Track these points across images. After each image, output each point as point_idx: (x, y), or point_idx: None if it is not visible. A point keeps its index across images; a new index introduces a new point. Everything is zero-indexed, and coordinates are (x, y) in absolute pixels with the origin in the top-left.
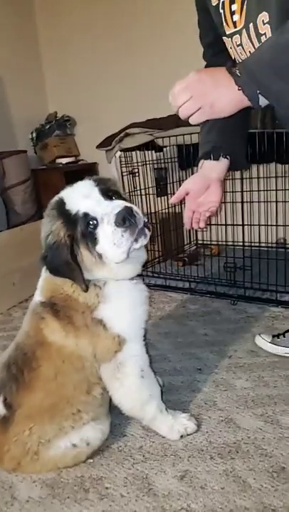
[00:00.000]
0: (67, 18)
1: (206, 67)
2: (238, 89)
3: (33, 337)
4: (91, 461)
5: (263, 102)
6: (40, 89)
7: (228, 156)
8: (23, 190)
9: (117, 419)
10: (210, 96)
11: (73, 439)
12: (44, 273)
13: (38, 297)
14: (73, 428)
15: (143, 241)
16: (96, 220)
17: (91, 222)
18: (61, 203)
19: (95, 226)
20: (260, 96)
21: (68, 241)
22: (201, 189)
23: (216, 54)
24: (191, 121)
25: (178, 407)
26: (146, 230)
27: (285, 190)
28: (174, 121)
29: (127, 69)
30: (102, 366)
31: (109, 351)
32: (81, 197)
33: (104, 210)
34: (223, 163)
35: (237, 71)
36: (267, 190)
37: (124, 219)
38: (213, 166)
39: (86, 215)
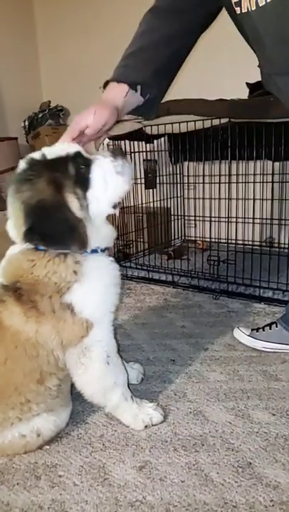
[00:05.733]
0: (65, 7)
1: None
2: None
3: None
4: (47, 447)
5: None
6: (35, 77)
7: (149, 99)
8: None
9: (80, 405)
10: None
11: (22, 429)
12: (10, 254)
13: None
14: (20, 420)
15: (132, 179)
16: (88, 159)
17: (82, 162)
18: (41, 157)
19: (88, 165)
20: None
21: (59, 195)
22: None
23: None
24: None
25: (146, 397)
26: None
27: (273, 182)
28: (164, 109)
29: None
30: (67, 351)
31: (76, 336)
32: (66, 146)
33: (92, 155)
34: (135, 100)
35: None
36: (263, 183)
37: (121, 152)
38: (121, 95)
39: (78, 154)
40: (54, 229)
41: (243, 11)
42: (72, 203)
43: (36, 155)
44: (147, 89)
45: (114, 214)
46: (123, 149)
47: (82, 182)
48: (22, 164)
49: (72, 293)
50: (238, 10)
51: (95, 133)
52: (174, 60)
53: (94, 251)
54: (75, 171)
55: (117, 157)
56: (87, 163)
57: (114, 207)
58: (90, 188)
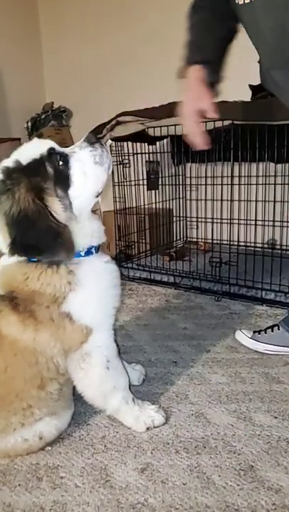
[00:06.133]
0: (69, 9)
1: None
2: None
3: None
4: (49, 448)
5: None
6: (38, 78)
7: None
8: None
9: (81, 407)
10: None
11: (24, 434)
12: (2, 265)
13: None
14: (23, 425)
15: (111, 166)
16: (64, 154)
17: (60, 159)
18: (16, 164)
19: (65, 161)
20: None
21: (39, 201)
22: None
23: None
24: None
25: (148, 398)
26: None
27: (271, 184)
28: (167, 111)
29: (126, 63)
30: (67, 357)
31: (76, 343)
32: (36, 144)
33: (68, 148)
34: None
35: None
36: (265, 184)
37: (96, 138)
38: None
39: (52, 150)
40: (38, 239)
41: (245, 1)
42: (55, 206)
43: (10, 163)
44: (211, 73)
45: (115, 215)
46: (126, 150)
47: (63, 181)
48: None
49: (69, 302)
50: (240, 0)
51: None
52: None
53: (88, 252)
54: (54, 171)
55: (95, 145)
56: (65, 158)
57: (97, 196)
58: (71, 185)
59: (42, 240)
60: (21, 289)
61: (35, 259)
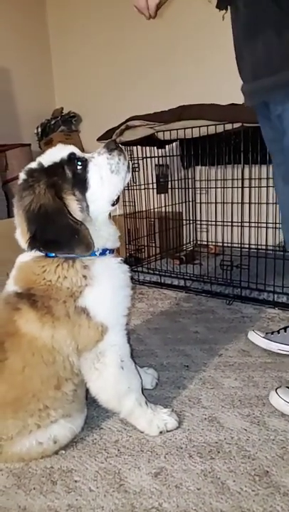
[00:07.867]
0: (77, 16)
1: None
2: None
3: (3, 327)
4: (63, 452)
5: None
6: (48, 84)
7: None
8: None
9: (94, 411)
10: None
11: (39, 437)
12: (20, 262)
13: (11, 287)
14: (39, 427)
15: (128, 175)
16: (84, 159)
17: (79, 163)
18: (38, 166)
19: (84, 166)
20: None
21: (59, 199)
22: None
23: None
24: None
25: (160, 402)
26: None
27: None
28: (176, 114)
29: (135, 69)
30: (81, 357)
31: (91, 341)
32: (59, 149)
33: (89, 154)
34: None
35: None
36: (271, 186)
37: (115, 145)
38: None
39: (72, 155)
40: (57, 234)
41: None
42: (73, 205)
43: (33, 164)
44: None
45: (125, 219)
46: (135, 155)
47: (80, 183)
48: (22, 175)
49: (85, 297)
50: None
51: None
52: None
53: (103, 254)
54: (72, 174)
55: (113, 153)
56: (84, 163)
57: (113, 204)
58: (89, 188)
59: (61, 235)
60: (38, 283)
61: (53, 255)
